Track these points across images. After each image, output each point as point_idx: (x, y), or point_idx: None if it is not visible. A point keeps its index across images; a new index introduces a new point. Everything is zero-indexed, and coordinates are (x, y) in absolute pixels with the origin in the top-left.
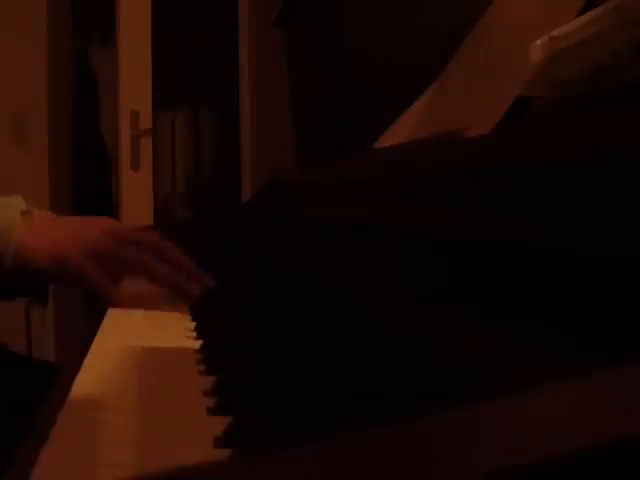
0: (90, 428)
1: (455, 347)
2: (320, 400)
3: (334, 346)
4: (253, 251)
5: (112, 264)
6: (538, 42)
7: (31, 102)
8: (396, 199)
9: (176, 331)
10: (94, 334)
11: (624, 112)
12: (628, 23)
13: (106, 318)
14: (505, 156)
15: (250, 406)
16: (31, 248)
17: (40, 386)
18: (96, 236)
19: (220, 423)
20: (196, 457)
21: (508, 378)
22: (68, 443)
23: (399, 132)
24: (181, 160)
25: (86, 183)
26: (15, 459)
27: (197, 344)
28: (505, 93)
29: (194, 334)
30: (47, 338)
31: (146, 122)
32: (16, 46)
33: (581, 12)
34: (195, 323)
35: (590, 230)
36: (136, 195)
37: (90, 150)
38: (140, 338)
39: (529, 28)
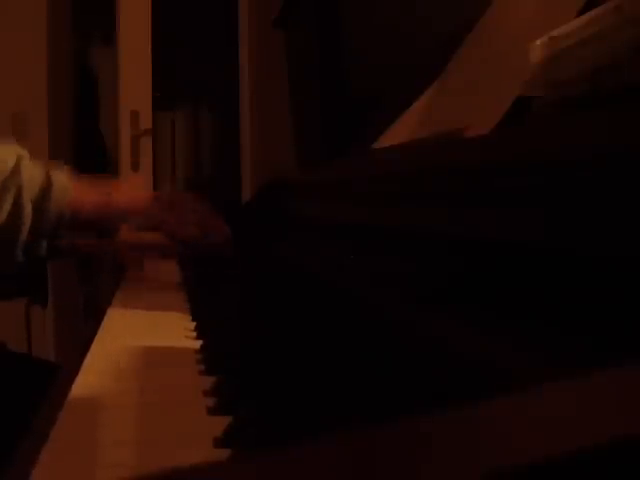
0: (90, 428)
1: (455, 347)
2: (320, 400)
3: (334, 346)
4: (253, 251)
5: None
6: (538, 42)
7: (31, 102)
8: (396, 199)
9: (176, 331)
10: (94, 334)
11: (624, 112)
12: (628, 23)
13: (106, 318)
14: (505, 156)
15: (250, 406)
16: (80, 199)
17: (40, 385)
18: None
19: (220, 423)
20: (196, 457)
21: (508, 378)
22: (68, 443)
23: (399, 132)
24: (181, 160)
25: None
26: (15, 458)
27: (197, 344)
28: (505, 93)
29: (194, 334)
30: (47, 338)
31: (146, 122)
32: (16, 46)
33: (581, 12)
34: (195, 323)
35: (590, 230)
36: None
37: (90, 150)
38: (140, 338)
39: (529, 28)
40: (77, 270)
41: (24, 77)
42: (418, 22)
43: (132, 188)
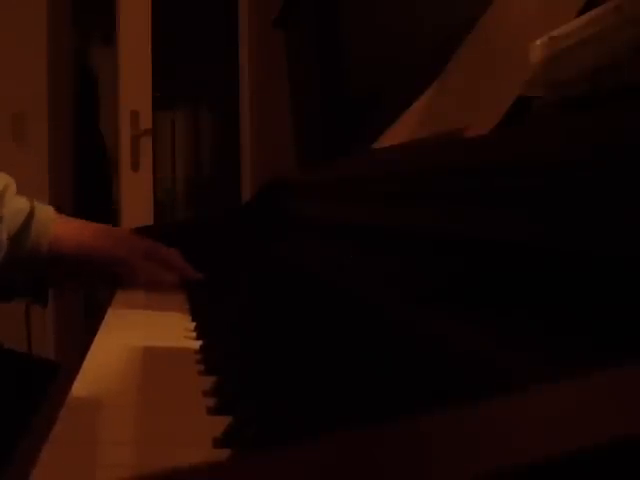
0: (90, 427)
1: (455, 347)
2: (320, 400)
3: (334, 346)
4: (253, 251)
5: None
6: (538, 42)
7: (31, 102)
8: (396, 199)
9: (176, 331)
10: (94, 334)
11: (624, 112)
12: (628, 23)
13: (106, 318)
14: (505, 156)
15: (250, 406)
16: (64, 238)
17: (40, 385)
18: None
19: (220, 423)
20: (196, 457)
21: (508, 378)
22: (68, 442)
23: (399, 132)
24: (181, 160)
25: (86, 183)
26: (15, 458)
27: (197, 344)
28: (505, 93)
29: (194, 334)
30: (47, 338)
31: (146, 122)
32: (16, 46)
33: (581, 12)
34: (195, 323)
35: (590, 230)
36: (136, 195)
37: (90, 150)
38: (140, 338)
39: (529, 28)
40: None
41: (24, 77)
42: (418, 22)
43: (112, 232)
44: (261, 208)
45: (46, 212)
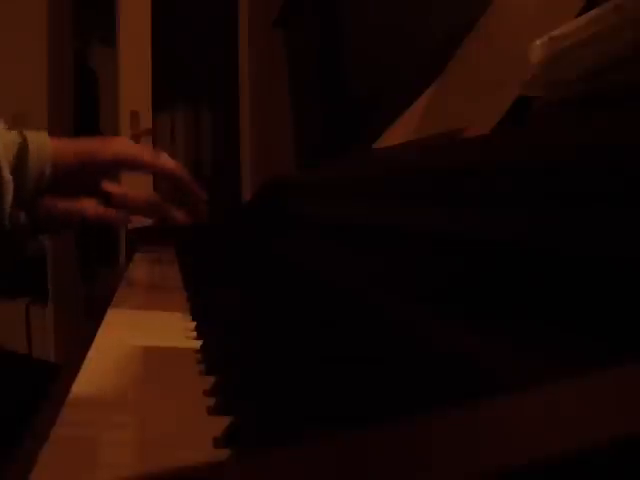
0: (90, 428)
1: (455, 347)
2: (320, 400)
3: (334, 346)
4: (253, 250)
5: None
6: (538, 42)
7: (32, 103)
8: (396, 199)
9: (176, 331)
10: (94, 334)
11: (624, 112)
12: (628, 23)
13: (106, 318)
14: (505, 156)
15: (250, 406)
16: (63, 149)
17: (40, 385)
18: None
19: (220, 423)
20: (196, 457)
21: (508, 378)
22: (68, 443)
23: (399, 132)
24: (181, 160)
25: None
26: (15, 458)
27: (197, 344)
28: (505, 93)
29: (194, 334)
30: (47, 338)
31: (146, 122)
32: (17, 47)
33: (581, 12)
34: (195, 323)
35: (590, 230)
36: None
37: None
38: (140, 338)
39: (529, 28)
40: (78, 269)
41: (25, 78)
42: (418, 22)
43: (121, 142)
44: (261, 208)
45: (39, 136)
